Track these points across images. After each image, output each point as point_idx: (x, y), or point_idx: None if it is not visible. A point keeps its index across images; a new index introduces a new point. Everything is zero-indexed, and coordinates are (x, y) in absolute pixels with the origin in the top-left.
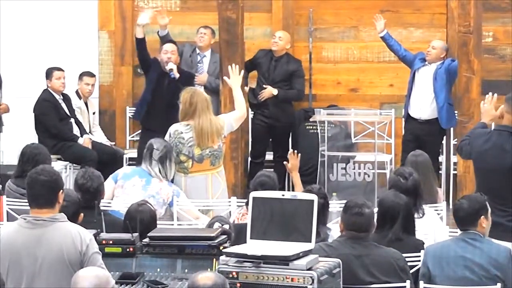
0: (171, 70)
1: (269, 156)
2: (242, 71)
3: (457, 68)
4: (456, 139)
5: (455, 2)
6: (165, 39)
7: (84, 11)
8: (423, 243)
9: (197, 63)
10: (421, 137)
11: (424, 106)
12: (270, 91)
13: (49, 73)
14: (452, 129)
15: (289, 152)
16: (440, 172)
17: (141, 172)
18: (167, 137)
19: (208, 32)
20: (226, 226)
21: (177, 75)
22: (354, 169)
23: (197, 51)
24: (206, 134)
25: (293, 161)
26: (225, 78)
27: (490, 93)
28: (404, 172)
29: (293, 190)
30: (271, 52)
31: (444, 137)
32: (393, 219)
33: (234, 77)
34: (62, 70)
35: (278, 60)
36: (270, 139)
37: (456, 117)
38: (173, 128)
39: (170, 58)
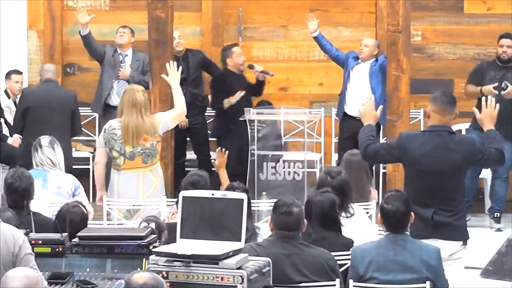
0: None
1: (190, 155)
2: (180, 67)
3: None
4: (385, 138)
5: (384, 1)
6: (87, 39)
7: (13, 10)
8: (353, 242)
9: (120, 63)
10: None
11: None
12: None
13: None
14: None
15: (217, 149)
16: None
17: (34, 173)
18: (102, 132)
19: (127, 31)
20: (153, 225)
21: None
22: (283, 168)
23: (119, 51)
24: (132, 132)
25: (220, 158)
26: (163, 75)
27: (368, 95)
28: (332, 171)
29: (219, 189)
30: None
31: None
32: (316, 218)
33: (172, 74)
34: None
35: (184, 59)
36: (188, 139)
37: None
38: (108, 124)
39: None
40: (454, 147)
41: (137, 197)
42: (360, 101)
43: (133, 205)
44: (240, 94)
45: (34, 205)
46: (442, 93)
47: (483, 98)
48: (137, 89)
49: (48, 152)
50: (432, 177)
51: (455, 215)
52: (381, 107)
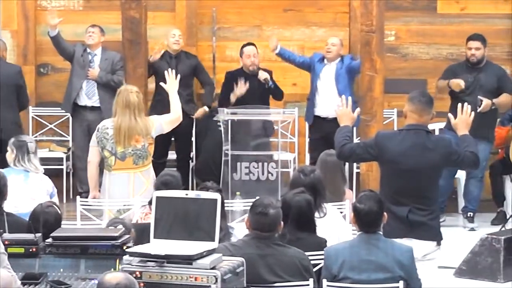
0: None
1: (171, 155)
2: (179, 76)
3: (360, 66)
4: (359, 138)
5: (358, 2)
6: (56, 40)
7: None
8: (326, 241)
9: (89, 63)
10: (330, 135)
11: (331, 105)
12: (203, 110)
13: None
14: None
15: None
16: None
17: (15, 171)
18: (95, 131)
19: (96, 30)
20: (120, 227)
21: None
22: (257, 168)
23: (88, 50)
24: (124, 133)
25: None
26: (161, 84)
27: (344, 96)
28: (306, 169)
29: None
30: (167, 53)
31: None
32: (294, 219)
33: (170, 81)
34: None
35: (177, 57)
36: (172, 139)
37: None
38: (102, 123)
39: None
40: (432, 146)
41: (127, 198)
42: (330, 102)
43: (124, 206)
44: (243, 86)
45: (17, 199)
46: (419, 93)
47: (459, 105)
48: (131, 90)
49: (35, 160)
50: (409, 176)
51: (429, 215)
52: (358, 109)
